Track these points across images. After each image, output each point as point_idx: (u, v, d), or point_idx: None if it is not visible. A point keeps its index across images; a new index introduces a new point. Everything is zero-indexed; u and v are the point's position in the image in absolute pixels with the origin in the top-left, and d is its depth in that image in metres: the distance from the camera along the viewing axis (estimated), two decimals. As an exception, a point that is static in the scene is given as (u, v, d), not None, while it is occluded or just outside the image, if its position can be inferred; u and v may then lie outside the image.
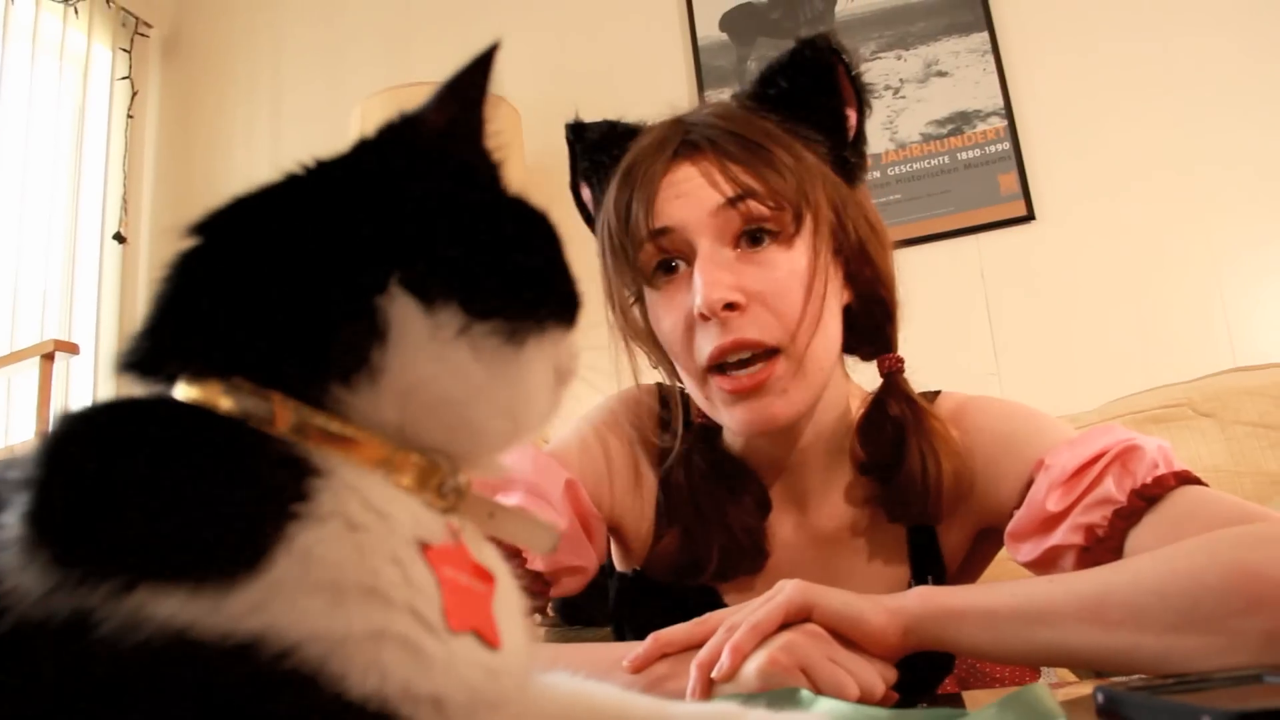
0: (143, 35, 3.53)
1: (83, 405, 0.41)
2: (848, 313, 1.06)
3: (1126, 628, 0.79)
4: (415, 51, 3.25)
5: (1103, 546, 0.90)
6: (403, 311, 0.43)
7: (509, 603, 0.46)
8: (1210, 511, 0.86)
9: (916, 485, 1.03)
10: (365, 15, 3.41)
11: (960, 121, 2.76)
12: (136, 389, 0.43)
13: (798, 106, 1.02)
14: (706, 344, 0.97)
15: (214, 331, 0.43)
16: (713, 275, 0.95)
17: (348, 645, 0.38)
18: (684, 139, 0.99)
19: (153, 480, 0.38)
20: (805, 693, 0.76)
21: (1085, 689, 0.71)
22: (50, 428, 0.40)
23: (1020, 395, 2.42)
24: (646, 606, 1.14)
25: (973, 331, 2.63)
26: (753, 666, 0.82)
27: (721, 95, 2.91)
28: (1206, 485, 0.90)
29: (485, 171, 0.48)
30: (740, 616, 0.84)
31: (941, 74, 2.81)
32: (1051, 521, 0.93)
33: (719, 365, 0.98)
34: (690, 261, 0.98)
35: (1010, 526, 0.98)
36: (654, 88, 3.03)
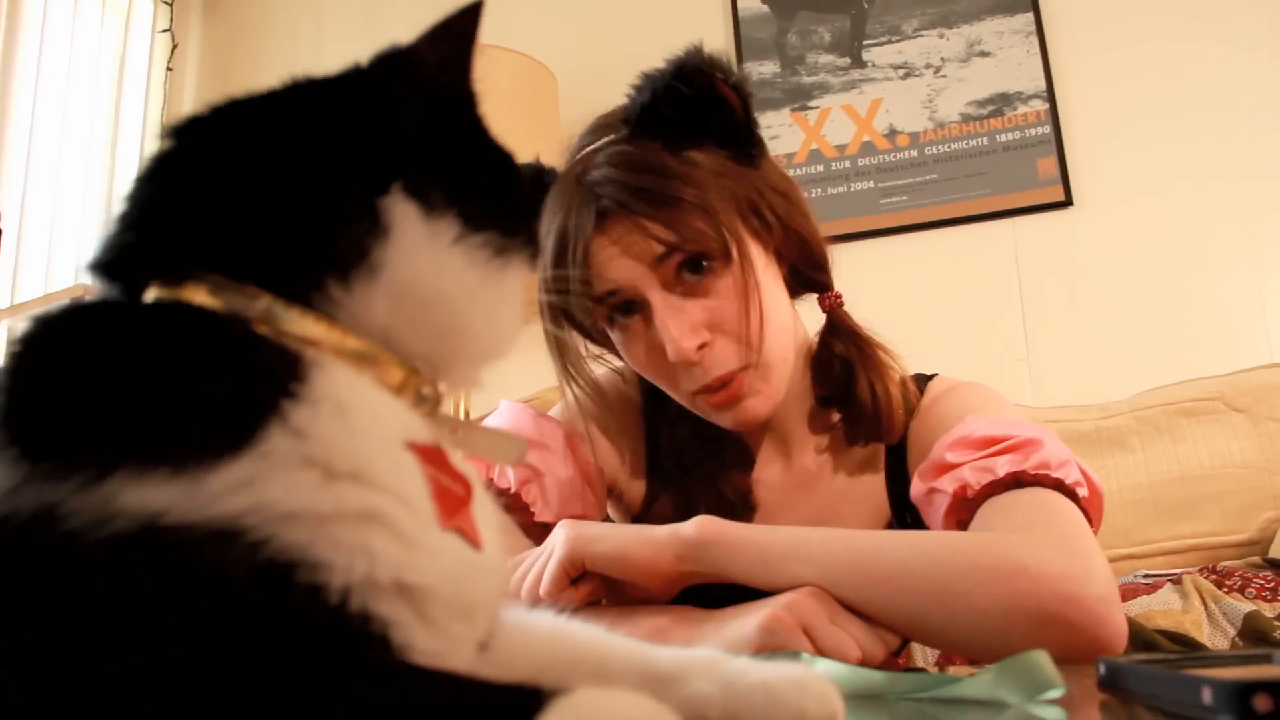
0: (185, -12, 3.53)
1: (53, 307, 0.41)
2: (788, 273, 1.12)
3: (892, 584, 0.87)
4: (452, 8, 3.23)
5: (965, 505, 0.98)
6: (404, 214, 0.44)
7: (484, 512, 0.46)
8: (1037, 515, 0.92)
9: (868, 410, 1.12)
10: (406, -28, 3.40)
11: (1001, 103, 2.72)
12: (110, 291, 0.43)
13: (685, 127, 1.03)
14: (688, 382, 1.06)
15: (197, 229, 0.43)
16: (677, 326, 1.01)
17: (336, 525, 0.37)
18: (597, 207, 1.01)
19: (129, 369, 0.38)
20: (805, 656, 0.75)
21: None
22: (19, 330, 0.40)
23: (1050, 382, 2.43)
24: None
25: (1004, 316, 2.60)
26: (754, 622, 0.83)
27: (745, 62, 2.88)
28: (1079, 498, 0.97)
29: (471, 106, 0.51)
30: (528, 564, 0.94)
31: (984, 54, 2.77)
32: (942, 468, 1.02)
33: None
34: (643, 303, 1.03)
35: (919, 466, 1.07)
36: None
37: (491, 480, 1.12)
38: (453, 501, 0.43)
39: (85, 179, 3.15)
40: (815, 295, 1.18)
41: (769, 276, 1.07)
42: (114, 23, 3.29)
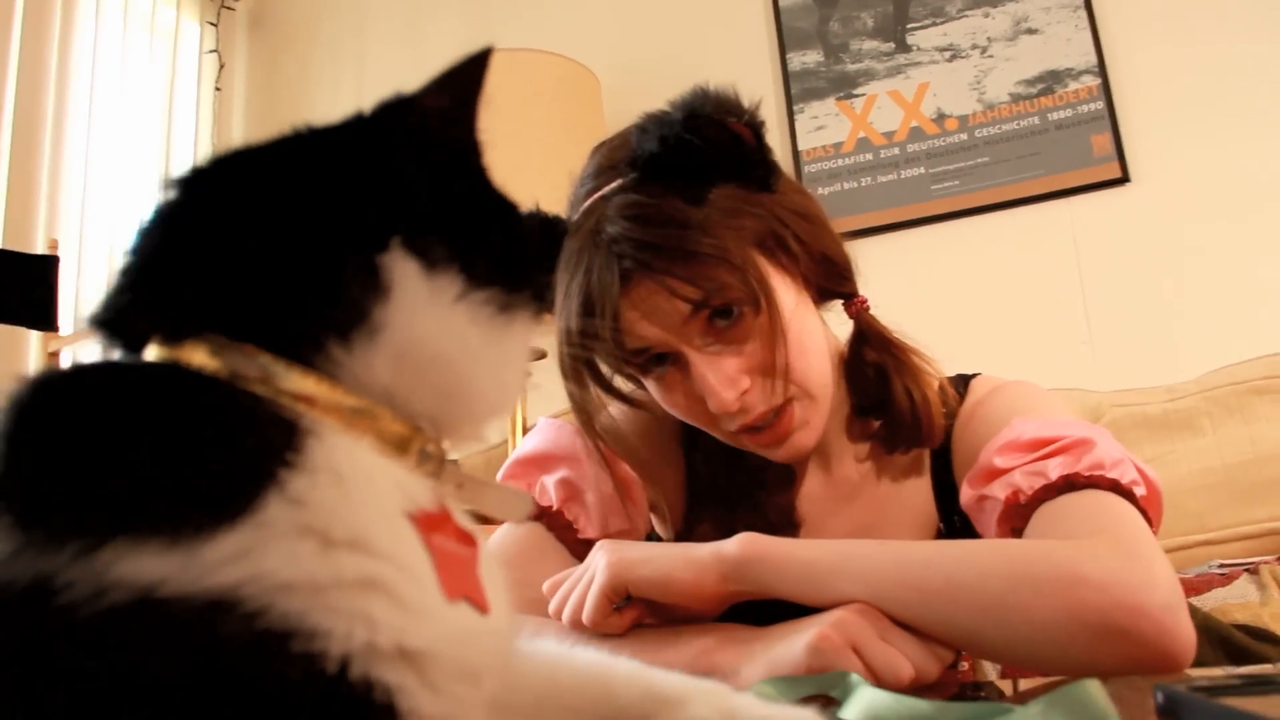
0: (229, 9, 3.57)
1: (47, 369, 0.41)
2: (814, 291, 1.10)
3: (944, 598, 0.84)
4: (494, 17, 3.24)
5: (1018, 512, 0.95)
6: (405, 271, 0.43)
7: (490, 570, 0.45)
8: (1094, 519, 0.89)
9: (906, 416, 1.09)
10: (446, -17, 3.41)
11: (1051, 80, 2.66)
12: (112, 349, 0.42)
13: (697, 172, 1.00)
14: (730, 424, 1.03)
15: (198, 286, 0.42)
16: (717, 379, 0.99)
17: (334, 593, 0.36)
18: (620, 268, 0.98)
19: (124, 436, 0.37)
20: (855, 677, 0.73)
21: (1143, 685, 0.67)
22: (13, 392, 0.39)
23: (1114, 364, 2.37)
24: None
25: (1064, 299, 2.54)
26: (801, 642, 0.81)
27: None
28: (1137, 498, 0.92)
29: (476, 157, 0.50)
30: (567, 587, 0.92)
31: (1031, 31, 2.70)
32: (992, 474, 0.98)
33: None
34: (676, 353, 1.01)
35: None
36: (733, 51, 2.98)
37: (533, 499, 1.11)
38: (458, 567, 0.41)
39: (140, 204, 3.20)
40: (840, 302, 1.15)
41: (801, 308, 1.04)
42: (162, 47, 3.34)
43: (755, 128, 1.01)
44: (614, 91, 2.83)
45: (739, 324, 1.00)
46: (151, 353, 0.41)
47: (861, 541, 0.92)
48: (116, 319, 0.42)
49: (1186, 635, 0.79)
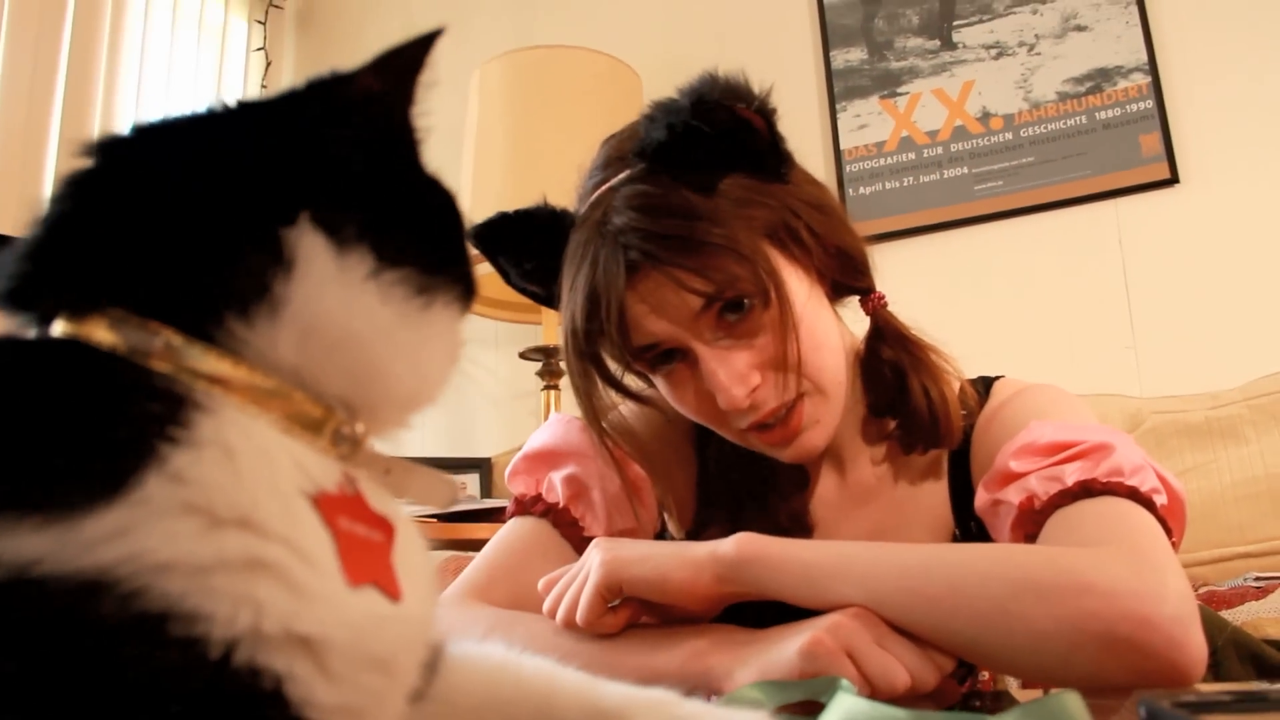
0: (277, 7, 3.60)
1: None
2: (828, 285, 1.06)
3: (944, 605, 0.81)
4: (538, 14, 3.24)
5: (1032, 517, 0.92)
6: (311, 245, 0.41)
7: (412, 556, 0.43)
8: (1109, 526, 0.86)
9: (924, 415, 1.06)
10: (490, -19, 3.41)
11: (1099, 79, 2.59)
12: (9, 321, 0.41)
13: (706, 161, 0.98)
14: (740, 420, 1.01)
15: (99, 259, 0.41)
16: (727, 376, 0.97)
17: (218, 574, 0.35)
18: (626, 259, 0.95)
19: (6, 413, 0.36)
20: (845, 683, 0.71)
21: (1128, 702, 0.64)
22: None
23: (1159, 370, 2.31)
24: None
25: (1109, 302, 2.47)
26: (795, 646, 0.79)
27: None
28: (1156, 507, 0.89)
29: (408, 141, 0.48)
30: (561, 586, 0.91)
31: (1080, 28, 2.64)
32: (1008, 478, 0.96)
33: None
34: (684, 349, 0.98)
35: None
36: (776, 48, 2.95)
37: (540, 495, 1.10)
38: (365, 552, 0.40)
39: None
40: (857, 299, 1.12)
41: (814, 302, 1.02)
42: (210, 44, 3.38)
43: (766, 115, 0.98)
44: (656, 89, 2.79)
45: (749, 318, 0.97)
46: (58, 328, 0.40)
47: (862, 544, 0.89)
48: (20, 291, 0.41)
49: (1197, 649, 0.76)
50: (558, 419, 1.17)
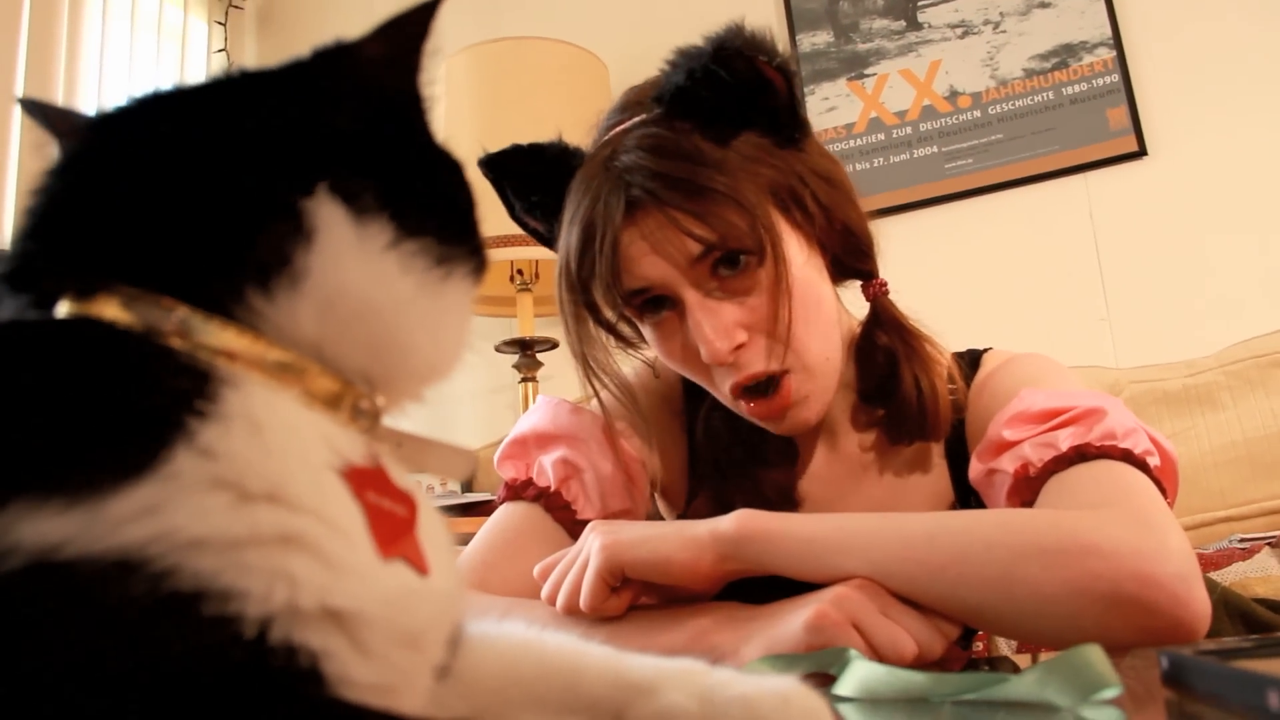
0: (237, 8, 3.56)
1: None
2: (830, 262, 1.05)
3: (950, 573, 0.81)
4: (503, 5, 3.22)
5: (1028, 484, 0.92)
6: (330, 216, 0.40)
7: (433, 531, 0.42)
8: (1106, 489, 0.86)
9: (912, 408, 1.05)
10: (452, -25, 3.38)
11: (1065, 54, 2.61)
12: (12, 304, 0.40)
13: (723, 111, 0.97)
14: (723, 380, 1.00)
15: (102, 236, 0.39)
16: (712, 328, 0.95)
17: (250, 550, 0.34)
18: (627, 196, 0.95)
19: (23, 393, 0.34)
20: (853, 653, 0.70)
21: (1148, 654, 0.64)
22: None
23: (1133, 341, 2.32)
24: None
25: (1081, 275, 2.49)
26: (801, 620, 0.78)
27: (816, 40, 2.80)
28: (1150, 468, 0.89)
29: (418, 110, 0.47)
30: (560, 571, 0.89)
31: (1044, 5, 2.65)
32: (1001, 447, 0.96)
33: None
34: (675, 298, 0.97)
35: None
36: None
37: (530, 479, 1.08)
38: (393, 526, 0.39)
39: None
40: (859, 282, 1.12)
41: (811, 271, 1.01)
42: (170, 47, 3.33)
43: (787, 73, 0.97)
44: (623, 79, 2.77)
45: (743, 275, 0.96)
46: (63, 309, 0.38)
47: (862, 515, 0.89)
48: (21, 272, 0.40)
49: (1201, 605, 0.77)
50: (546, 401, 1.16)
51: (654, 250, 0.96)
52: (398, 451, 0.45)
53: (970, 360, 1.13)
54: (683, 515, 1.14)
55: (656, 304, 1.00)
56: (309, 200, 0.40)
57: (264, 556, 0.34)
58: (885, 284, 1.11)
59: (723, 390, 1.02)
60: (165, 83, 0.42)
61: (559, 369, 2.74)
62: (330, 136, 0.42)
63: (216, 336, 0.38)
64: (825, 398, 1.03)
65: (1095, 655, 0.52)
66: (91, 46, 3.00)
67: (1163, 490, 0.89)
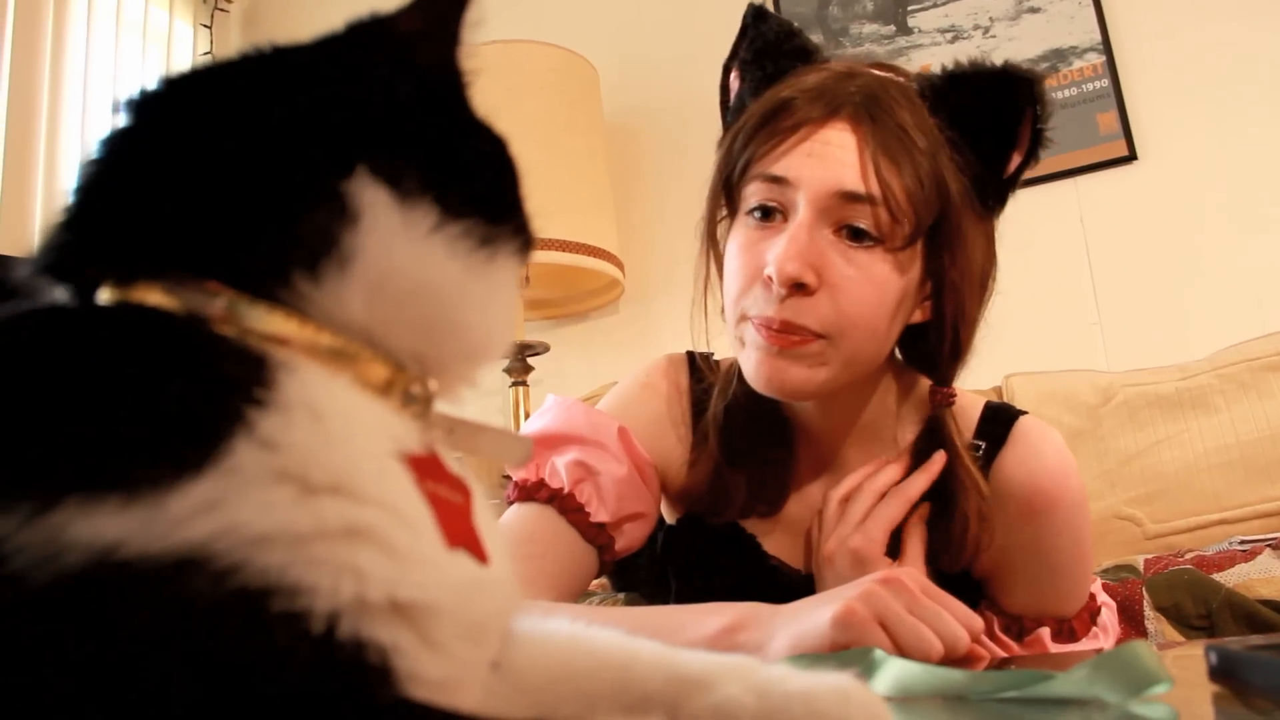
0: (223, 10, 3.54)
1: None
2: (916, 327, 1.03)
3: None
4: (491, 8, 3.18)
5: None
6: (374, 198, 0.39)
7: (484, 519, 0.41)
8: None
9: (956, 543, 1.02)
10: (439, -21, 3.37)
11: (1055, 59, 2.62)
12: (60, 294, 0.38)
13: (968, 122, 0.98)
14: (757, 306, 0.96)
15: (152, 220, 0.38)
16: (797, 247, 0.92)
17: (317, 544, 0.33)
18: (848, 100, 0.95)
19: (73, 385, 0.33)
20: (879, 653, 0.70)
21: (1194, 650, 0.64)
22: None
23: (1125, 345, 2.33)
24: (691, 549, 1.14)
25: (1072, 279, 2.50)
26: (827, 617, 0.77)
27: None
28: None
29: (457, 85, 0.46)
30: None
31: (1033, 10, 2.66)
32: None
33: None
34: (787, 213, 0.95)
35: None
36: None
37: (543, 480, 1.07)
38: (453, 515, 0.38)
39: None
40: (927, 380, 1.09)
41: (907, 306, 1.00)
42: (156, 50, 3.31)
43: (1036, 144, 0.99)
44: (612, 83, 2.80)
45: (858, 251, 0.94)
46: (104, 296, 0.37)
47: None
48: (61, 261, 0.38)
49: None
50: (556, 402, 1.15)
51: (818, 156, 0.94)
52: (449, 438, 0.44)
53: (997, 418, 1.10)
54: (683, 486, 1.13)
55: (766, 213, 0.98)
56: (349, 182, 0.39)
57: (331, 550, 0.33)
58: (953, 397, 1.07)
59: (749, 311, 0.98)
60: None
61: (549, 373, 2.73)
62: (368, 115, 0.41)
63: (266, 321, 0.37)
64: (824, 385, 0.99)
65: (1144, 650, 0.51)
66: (76, 49, 2.98)
67: None
